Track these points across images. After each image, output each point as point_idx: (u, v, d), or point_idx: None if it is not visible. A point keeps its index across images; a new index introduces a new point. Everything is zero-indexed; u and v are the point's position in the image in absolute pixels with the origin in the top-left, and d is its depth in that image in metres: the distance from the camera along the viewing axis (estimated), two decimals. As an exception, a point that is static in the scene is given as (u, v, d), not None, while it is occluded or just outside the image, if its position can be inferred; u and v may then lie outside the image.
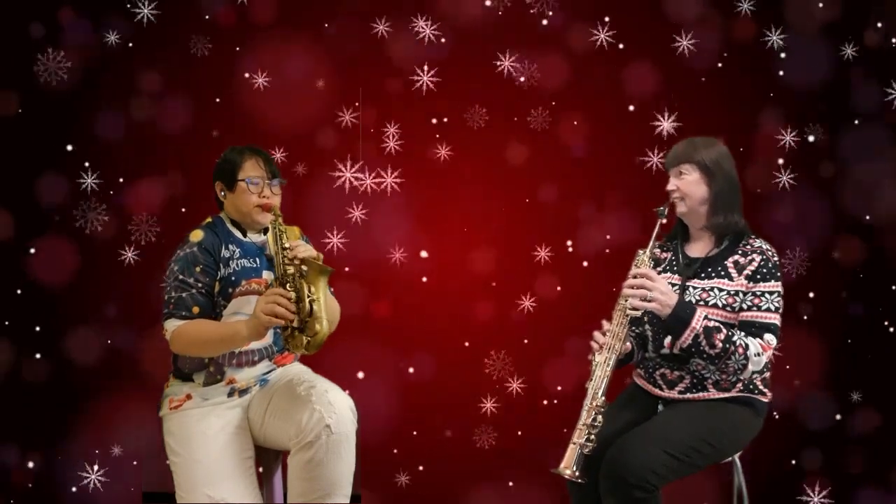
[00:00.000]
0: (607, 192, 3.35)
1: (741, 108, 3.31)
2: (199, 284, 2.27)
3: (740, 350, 2.18)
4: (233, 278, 2.32)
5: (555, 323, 3.35)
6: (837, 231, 3.33)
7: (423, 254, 3.39)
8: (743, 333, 2.22)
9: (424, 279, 3.40)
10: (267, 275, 2.37)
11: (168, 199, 3.31)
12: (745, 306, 2.25)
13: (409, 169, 3.36)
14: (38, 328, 3.31)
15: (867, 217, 3.31)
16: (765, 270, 2.25)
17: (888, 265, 3.33)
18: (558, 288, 3.39)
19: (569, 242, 3.39)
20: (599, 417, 2.20)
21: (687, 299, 2.29)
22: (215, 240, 2.33)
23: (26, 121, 3.27)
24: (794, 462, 3.36)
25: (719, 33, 3.31)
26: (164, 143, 3.32)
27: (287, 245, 2.24)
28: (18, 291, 3.29)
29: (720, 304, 2.27)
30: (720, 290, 2.28)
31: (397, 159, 3.36)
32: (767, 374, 2.34)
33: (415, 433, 3.41)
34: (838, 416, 3.35)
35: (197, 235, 2.32)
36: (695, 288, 2.31)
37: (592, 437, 2.19)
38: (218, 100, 3.32)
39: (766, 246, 2.30)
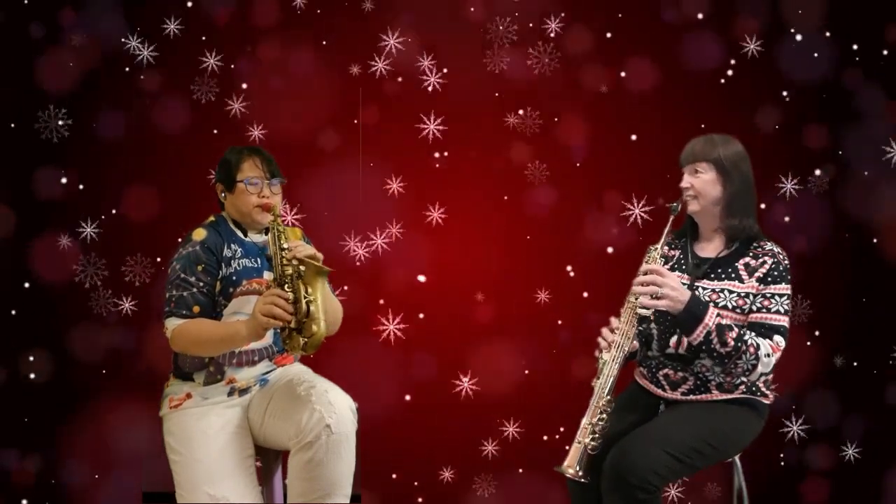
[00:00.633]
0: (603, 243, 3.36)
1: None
2: (201, 283, 2.27)
3: (751, 350, 2.17)
4: (234, 278, 2.32)
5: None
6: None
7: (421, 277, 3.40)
8: (754, 334, 2.21)
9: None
10: (268, 275, 2.37)
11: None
12: (754, 308, 2.24)
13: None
14: (39, 326, 3.33)
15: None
16: (776, 273, 2.24)
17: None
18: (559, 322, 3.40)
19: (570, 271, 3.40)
20: (605, 416, 2.20)
21: (701, 302, 2.25)
22: (218, 239, 2.33)
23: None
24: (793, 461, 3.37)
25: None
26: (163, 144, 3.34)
27: (286, 245, 2.24)
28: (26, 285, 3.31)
29: (730, 306, 2.26)
30: (730, 291, 2.27)
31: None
32: (770, 376, 2.34)
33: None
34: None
35: (200, 234, 2.32)
36: (704, 289, 2.30)
37: (597, 436, 2.19)
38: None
39: (777, 249, 2.29)
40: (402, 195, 3.36)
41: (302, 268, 2.20)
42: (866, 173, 3.30)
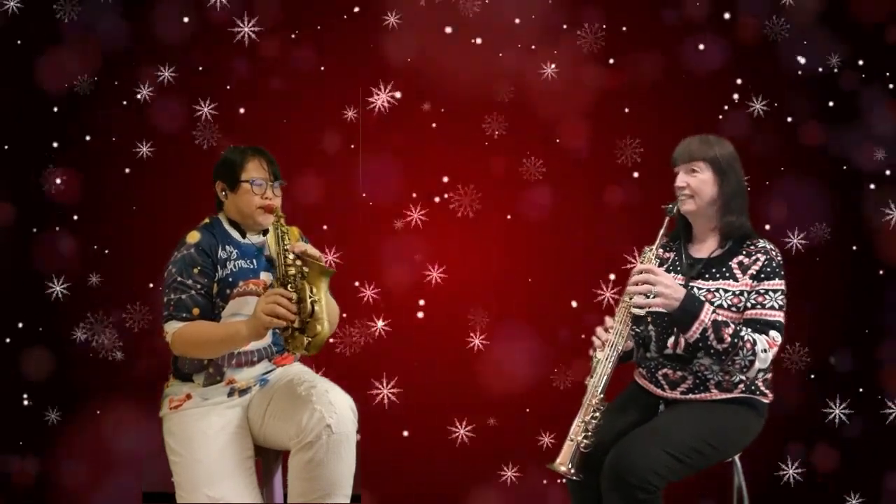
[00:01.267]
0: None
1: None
2: (198, 286, 2.27)
3: (748, 345, 2.17)
4: (230, 279, 2.31)
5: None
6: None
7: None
8: (749, 330, 2.21)
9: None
10: (265, 276, 2.37)
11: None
12: (749, 305, 2.25)
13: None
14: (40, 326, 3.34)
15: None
16: (769, 269, 2.25)
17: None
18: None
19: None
20: (598, 415, 2.20)
21: (696, 299, 2.26)
22: (212, 241, 2.32)
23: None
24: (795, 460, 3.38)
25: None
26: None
27: (289, 246, 2.24)
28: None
29: (725, 305, 2.26)
30: (725, 290, 2.27)
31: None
32: (769, 375, 2.34)
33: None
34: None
35: (194, 237, 2.31)
36: (699, 289, 2.30)
37: (590, 434, 2.19)
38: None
39: (769, 246, 2.30)
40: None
41: (305, 268, 2.20)
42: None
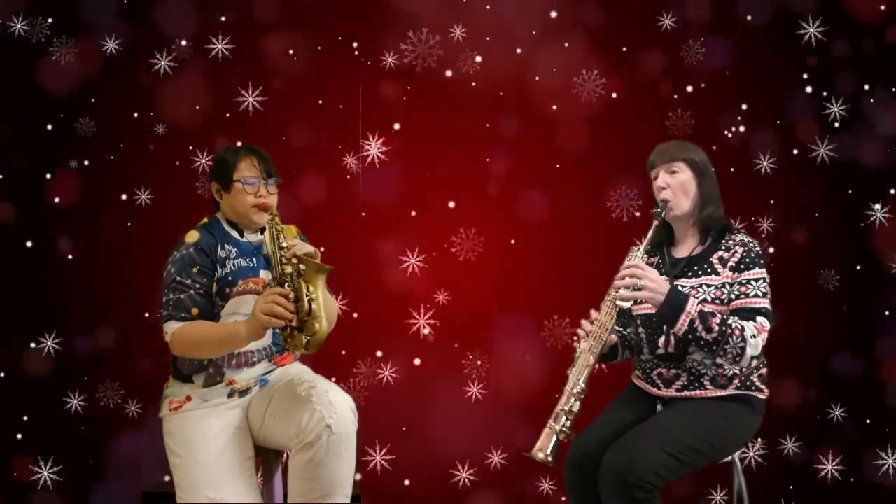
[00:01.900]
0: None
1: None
2: (197, 285, 2.27)
3: (737, 332, 2.19)
4: (230, 278, 2.31)
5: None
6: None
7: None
8: (737, 318, 2.23)
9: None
10: (264, 274, 2.37)
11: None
12: (733, 296, 2.27)
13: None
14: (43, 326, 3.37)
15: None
16: (748, 260, 2.28)
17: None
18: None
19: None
20: (578, 404, 2.23)
21: (681, 293, 2.28)
22: (211, 240, 2.32)
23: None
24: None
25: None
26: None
27: (285, 244, 2.24)
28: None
29: (709, 299, 2.28)
30: (708, 285, 2.30)
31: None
32: (764, 371, 2.35)
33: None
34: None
35: (192, 236, 2.32)
36: (683, 287, 2.32)
37: (569, 423, 2.22)
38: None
39: (747, 238, 2.33)
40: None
41: (302, 266, 2.20)
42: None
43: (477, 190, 3.44)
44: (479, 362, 3.42)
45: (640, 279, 2.24)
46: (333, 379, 2.35)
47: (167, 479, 2.75)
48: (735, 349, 2.19)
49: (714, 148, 3.31)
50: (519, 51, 3.44)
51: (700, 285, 2.30)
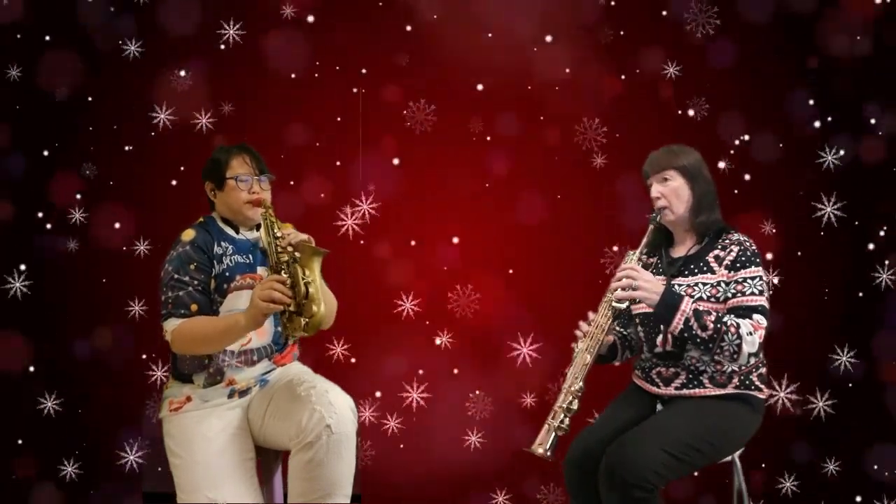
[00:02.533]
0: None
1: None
2: (195, 282, 2.27)
3: (732, 329, 2.20)
4: (227, 274, 2.32)
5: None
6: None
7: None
8: (733, 316, 2.25)
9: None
10: (261, 270, 2.38)
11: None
12: (729, 294, 2.29)
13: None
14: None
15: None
16: (744, 258, 2.29)
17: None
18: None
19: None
20: (576, 402, 2.27)
21: (676, 293, 2.31)
22: (207, 237, 2.34)
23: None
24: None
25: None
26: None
27: (279, 234, 2.25)
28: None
29: (705, 297, 2.30)
30: (704, 284, 2.32)
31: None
32: (763, 370, 2.36)
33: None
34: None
35: (189, 234, 2.33)
36: (679, 286, 2.34)
37: (567, 420, 2.26)
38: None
39: (743, 237, 2.35)
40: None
41: (297, 253, 2.20)
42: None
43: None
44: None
45: (635, 280, 2.27)
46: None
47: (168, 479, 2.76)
48: (731, 346, 2.20)
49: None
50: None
51: (696, 283, 2.32)
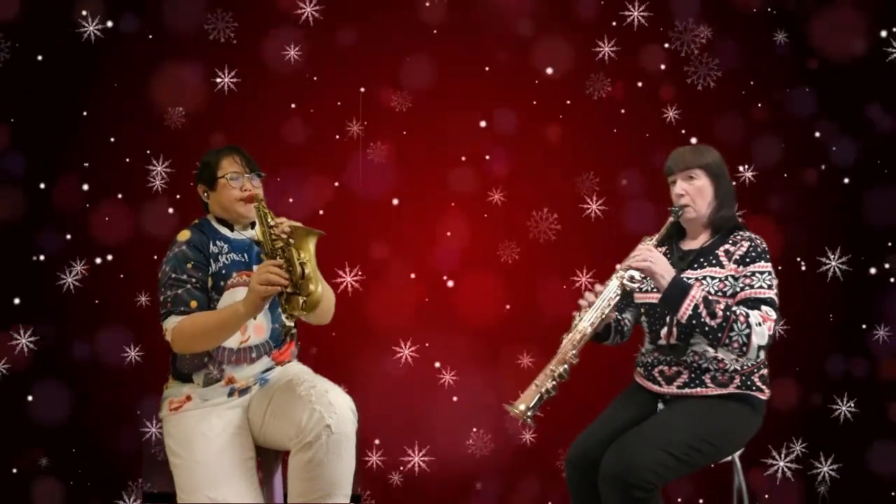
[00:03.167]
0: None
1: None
2: (193, 279, 2.29)
3: (742, 318, 2.19)
4: (223, 272, 2.34)
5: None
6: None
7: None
8: (742, 306, 2.24)
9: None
10: (257, 268, 2.37)
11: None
12: (738, 289, 2.29)
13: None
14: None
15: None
16: (754, 254, 2.30)
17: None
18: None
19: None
20: (567, 368, 2.26)
21: (686, 279, 2.31)
22: (203, 237, 2.36)
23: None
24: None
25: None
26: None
27: (273, 223, 2.25)
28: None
29: (712, 291, 2.30)
30: (712, 277, 2.32)
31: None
32: (765, 371, 2.36)
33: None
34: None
35: (184, 235, 2.35)
36: (688, 279, 2.34)
37: (554, 384, 2.25)
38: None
39: (753, 235, 2.36)
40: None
41: (291, 239, 2.21)
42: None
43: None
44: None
45: (650, 261, 2.27)
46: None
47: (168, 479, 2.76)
48: (741, 337, 2.19)
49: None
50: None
51: (704, 277, 2.32)
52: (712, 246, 2.38)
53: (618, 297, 2.34)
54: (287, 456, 2.24)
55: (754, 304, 2.24)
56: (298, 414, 2.18)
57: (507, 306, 3.45)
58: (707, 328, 2.21)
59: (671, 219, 2.40)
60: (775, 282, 2.30)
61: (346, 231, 3.37)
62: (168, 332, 2.27)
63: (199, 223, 2.42)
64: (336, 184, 3.42)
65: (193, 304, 2.27)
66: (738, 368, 2.30)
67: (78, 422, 3.33)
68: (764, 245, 2.33)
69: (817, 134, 3.39)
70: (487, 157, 3.44)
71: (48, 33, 3.35)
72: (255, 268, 2.38)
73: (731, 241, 2.35)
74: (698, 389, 2.31)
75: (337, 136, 3.42)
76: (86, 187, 3.38)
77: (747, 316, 2.20)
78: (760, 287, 2.26)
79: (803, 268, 3.41)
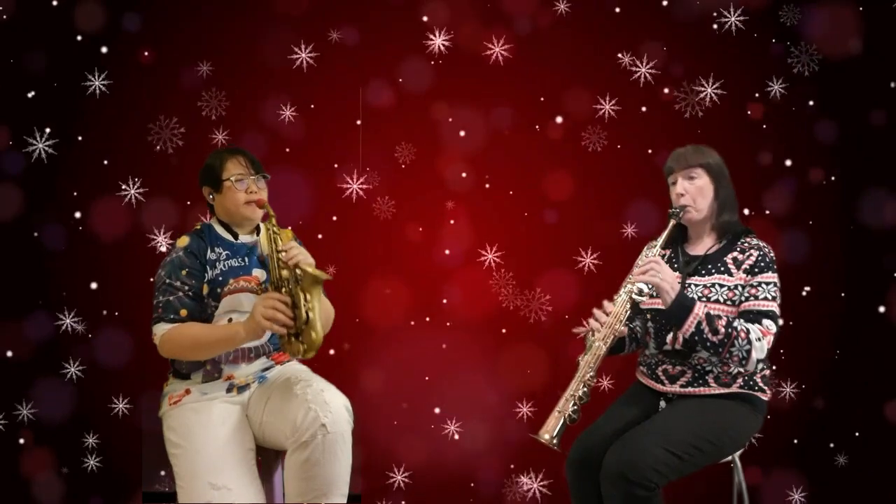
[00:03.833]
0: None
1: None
2: (186, 287, 2.29)
3: (742, 335, 2.20)
4: (220, 278, 2.33)
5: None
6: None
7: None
8: (742, 320, 2.24)
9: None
10: (257, 272, 2.38)
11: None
12: (743, 298, 2.28)
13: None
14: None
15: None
16: (762, 264, 2.29)
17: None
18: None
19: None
20: (587, 390, 2.25)
21: (689, 296, 2.30)
22: (201, 244, 2.36)
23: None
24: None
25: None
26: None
27: (282, 248, 2.26)
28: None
29: (721, 300, 2.29)
30: (721, 285, 2.30)
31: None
32: (767, 372, 2.35)
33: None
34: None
35: (183, 241, 2.36)
36: (696, 285, 2.33)
37: (577, 408, 2.23)
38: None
39: (762, 243, 2.35)
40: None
41: (299, 271, 2.22)
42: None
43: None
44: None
45: (658, 274, 2.25)
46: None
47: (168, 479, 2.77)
48: (741, 352, 2.20)
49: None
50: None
51: (713, 284, 2.31)
52: (720, 252, 2.37)
53: (628, 312, 2.32)
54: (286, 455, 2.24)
55: (756, 317, 2.24)
56: (294, 413, 2.18)
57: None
58: (709, 343, 2.22)
59: (672, 221, 2.38)
60: (779, 293, 2.29)
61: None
62: (157, 336, 2.28)
63: (200, 229, 2.42)
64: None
65: (183, 312, 2.27)
66: (742, 370, 2.29)
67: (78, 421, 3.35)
68: (772, 255, 2.32)
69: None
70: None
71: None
72: (254, 272, 2.38)
73: (738, 249, 2.34)
74: (701, 388, 2.31)
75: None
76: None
77: (748, 332, 2.20)
78: (765, 299, 2.26)
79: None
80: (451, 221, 3.43)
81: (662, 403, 2.37)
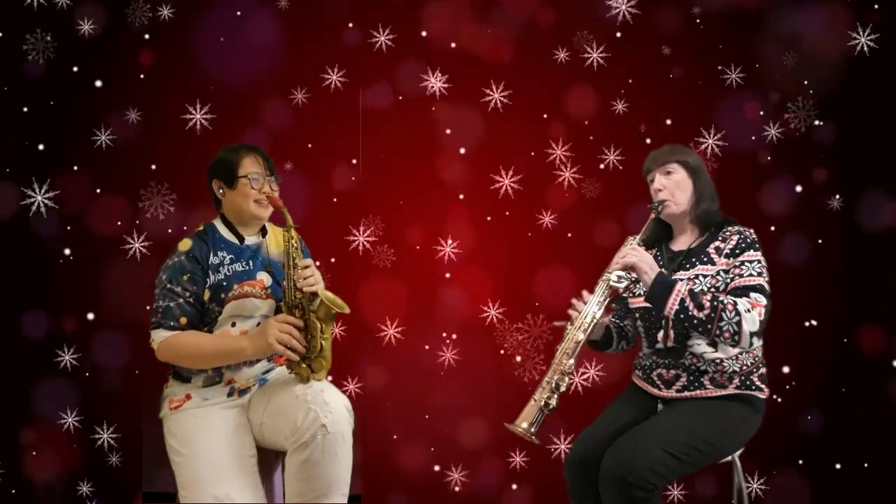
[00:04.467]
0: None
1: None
2: (187, 293, 2.26)
3: (730, 307, 2.18)
4: (224, 283, 2.31)
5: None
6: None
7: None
8: (730, 295, 2.24)
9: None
10: (261, 276, 2.37)
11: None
12: (729, 280, 2.28)
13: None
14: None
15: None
16: (744, 245, 2.30)
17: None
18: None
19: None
20: (565, 380, 2.26)
21: (670, 277, 2.31)
22: (203, 248, 2.32)
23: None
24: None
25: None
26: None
27: (300, 265, 2.26)
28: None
29: (706, 288, 2.29)
30: (704, 275, 2.31)
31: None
32: (764, 371, 2.35)
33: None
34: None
35: (185, 244, 2.32)
36: (681, 280, 2.32)
37: (555, 399, 2.24)
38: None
39: (742, 228, 2.36)
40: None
41: (314, 295, 2.25)
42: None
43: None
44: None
45: (635, 254, 2.27)
46: (330, 378, 2.36)
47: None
48: (731, 325, 2.18)
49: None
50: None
51: (696, 276, 2.32)
52: (702, 245, 2.38)
53: (607, 300, 2.33)
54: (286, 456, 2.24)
55: (743, 291, 2.24)
56: (294, 414, 2.18)
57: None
58: (696, 321, 2.20)
59: (652, 215, 2.40)
60: (765, 270, 2.28)
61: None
62: (155, 342, 2.26)
63: (202, 230, 2.38)
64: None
65: (183, 320, 2.25)
66: (737, 369, 2.29)
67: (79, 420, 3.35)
68: (754, 236, 2.33)
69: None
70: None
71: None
72: (259, 276, 2.36)
73: (720, 238, 2.35)
74: (697, 392, 2.30)
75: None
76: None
77: (735, 304, 2.19)
78: (750, 275, 2.26)
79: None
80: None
81: (660, 405, 2.37)
